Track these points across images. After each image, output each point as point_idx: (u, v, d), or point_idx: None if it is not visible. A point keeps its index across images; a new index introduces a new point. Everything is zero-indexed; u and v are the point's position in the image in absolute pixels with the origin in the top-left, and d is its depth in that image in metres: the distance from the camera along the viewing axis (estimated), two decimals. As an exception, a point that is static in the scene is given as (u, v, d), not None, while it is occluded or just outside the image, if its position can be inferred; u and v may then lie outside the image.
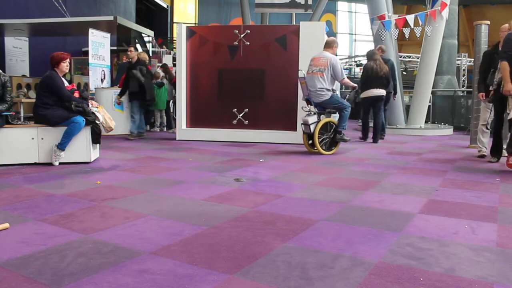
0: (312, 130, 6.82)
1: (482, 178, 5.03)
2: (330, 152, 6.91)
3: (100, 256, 2.43)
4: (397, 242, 2.73)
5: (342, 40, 30.33)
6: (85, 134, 5.61)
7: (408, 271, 2.29)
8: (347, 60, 27.90)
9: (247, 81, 8.50)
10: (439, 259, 2.46)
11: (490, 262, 2.45)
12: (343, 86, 7.98)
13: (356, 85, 7.26)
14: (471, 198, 4.01)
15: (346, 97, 7.45)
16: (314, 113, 6.95)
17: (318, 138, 6.79)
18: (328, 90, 6.79)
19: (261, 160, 6.10)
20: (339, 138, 6.90)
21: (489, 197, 4.05)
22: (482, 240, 2.80)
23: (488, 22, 8.29)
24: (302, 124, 7.01)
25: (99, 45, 10.13)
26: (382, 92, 8.54)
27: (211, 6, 26.52)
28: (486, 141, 6.69)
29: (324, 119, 6.87)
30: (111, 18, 11.20)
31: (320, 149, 6.83)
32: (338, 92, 7.05)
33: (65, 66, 5.62)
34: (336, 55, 6.99)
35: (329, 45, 7.00)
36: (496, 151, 6.23)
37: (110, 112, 7.16)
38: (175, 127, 8.92)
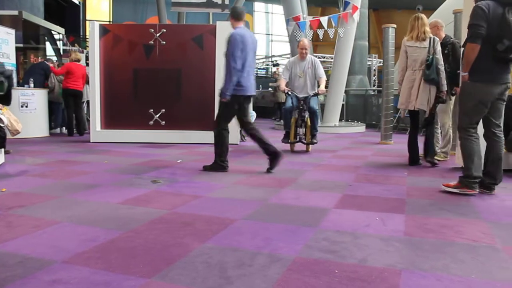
0: None
1: (391, 172, 5.32)
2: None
3: (6, 269, 2.26)
4: (314, 237, 2.82)
5: (259, 40, 30.78)
6: (-12, 138, 5.22)
7: (324, 264, 2.37)
8: (264, 60, 28.30)
9: (164, 81, 8.35)
10: (353, 251, 2.57)
11: (398, 250, 2.59)
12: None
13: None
14: (382, 191, 4.23)
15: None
16: None
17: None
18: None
19: (179, 161, 6.03)
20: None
21: (398, 190, 4.29)
22: (391, 231, 2.97)
23: (395, 26, 8.79)
24: None
25: (3, 41, 9.45)
26: None
27: (126, 3, 25.74)
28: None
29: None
30: (15, 13, 10.50)
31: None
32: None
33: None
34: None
35: None
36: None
37: (16, 114, 6.73)
38: (89, 128, 8.57)
